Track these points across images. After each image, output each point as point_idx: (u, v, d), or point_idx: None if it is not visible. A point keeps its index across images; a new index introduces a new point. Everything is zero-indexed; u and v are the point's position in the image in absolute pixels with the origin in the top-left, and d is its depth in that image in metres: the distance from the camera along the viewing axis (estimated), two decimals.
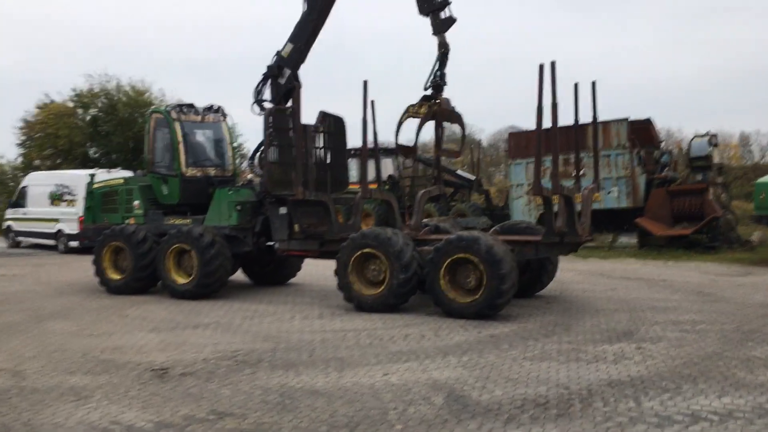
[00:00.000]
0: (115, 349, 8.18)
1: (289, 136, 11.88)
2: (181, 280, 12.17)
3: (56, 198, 22.23)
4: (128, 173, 23.16)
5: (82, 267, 17.59)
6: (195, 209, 13.08)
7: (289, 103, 12.67)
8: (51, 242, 22.43)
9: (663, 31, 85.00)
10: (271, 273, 13.90)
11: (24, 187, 24.06)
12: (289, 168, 11.80)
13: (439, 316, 9.72)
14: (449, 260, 9.68)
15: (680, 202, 17.93)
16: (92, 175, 14.61)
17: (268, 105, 13.16)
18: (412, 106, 12.33)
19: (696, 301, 10.97)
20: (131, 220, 13.51)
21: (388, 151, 23.05)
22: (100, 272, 12.95)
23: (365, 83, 12.29)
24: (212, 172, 13.32)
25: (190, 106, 13.52)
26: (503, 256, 9.45)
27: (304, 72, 13.35)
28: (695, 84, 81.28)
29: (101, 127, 35.47)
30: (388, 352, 7.69)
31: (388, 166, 24.20)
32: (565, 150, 19.98)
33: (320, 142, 12.61)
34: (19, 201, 24.00)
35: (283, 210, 12.02)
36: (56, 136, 34.18)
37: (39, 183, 23.38)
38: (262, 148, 12.24)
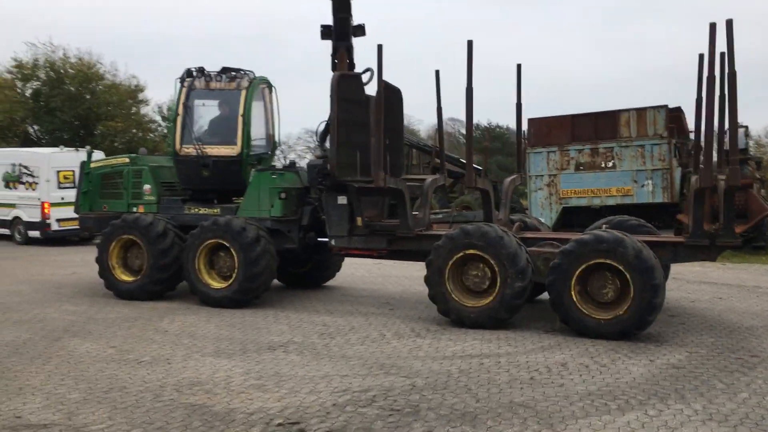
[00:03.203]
0: (194, 387, 6.02)
1: (358, 108, 9.79)
2: (215, 284, 9.92)
3: (12, 180, 19.14)
4: (100, 153, 20.47)
5: (55, 262, 15.01)
6: (219, 196, 10.84)
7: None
8: (4, 231, 19.35)
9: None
10: (308, 274, 11.77)
11: None
12: (356, 148, 9.73)
13: (568, 335, 7.92)
14: (583, 266, 7.89)
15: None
16: (90, 153, 12.02)
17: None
18: None
19: None
20: (140, 208, 11.11)
21: None
22: (106, 272, 10.52)
23: (437, 72, 10.50)
24: (210, 150, 10.74)
25: (201, 70, 11.15)
26: (654, 262, 7.73)
27: None
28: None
29: (44, 102, 31.93)
30: (576, 394, 5.82)
31: None
32: (594, 139, 18.71)
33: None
34: None
35: (342, 199, 9.92)
36: None
37: None
38: (326, 124, 10.09)
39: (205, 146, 10.77)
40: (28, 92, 32.99)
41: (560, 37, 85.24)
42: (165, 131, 36.74)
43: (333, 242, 10.06)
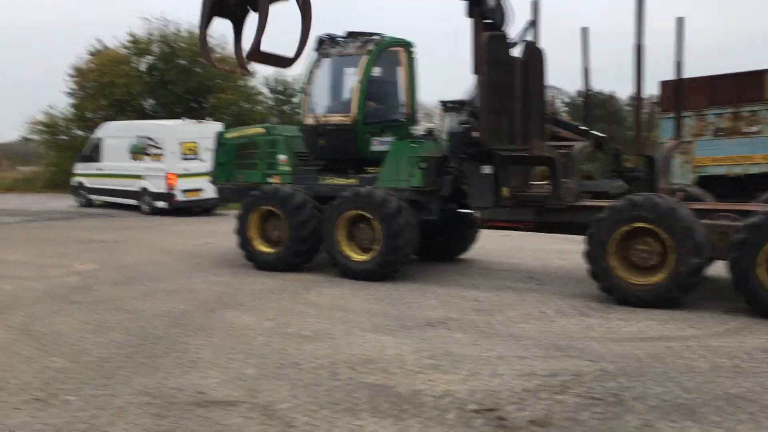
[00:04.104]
0: (368, 365, 5.74)
1: (505, 71, 9.20)
2: (355, 256, 9.69)
3: (139, 151, 19.70)
4: (218, 124, 20.82)
5: (185, 233, 15.33)
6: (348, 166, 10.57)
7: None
8: (131, 202, 20.00)
9: None
10: (441, 246, 11.37)
11: (98, 139, 21.47)
12: (502, 114, 9.17)
13: (754, 317, 7.16)
14: None
15: None
16: (225, 125, 12.00)
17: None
18: None
19: None
20: (275, 179, 11.01)
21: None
22: (246, 243, 10.49)
23: (585, 30, 9.72)
24: (328, 119, 10.46)
25: (331, 37, 10.79)
26: None
27: None
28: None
29: (158, 76, 32.82)
30: None
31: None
32: (735, 102, 17.26)
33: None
34: (92, 155, 21.50)
35: (487, 169, 9.41)
36: (113, 85, 31.54)
37: (116, 134, 20.76)
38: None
39: (325, 115, 10.53)
40: (142, 66, 34.05)
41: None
42: (272, 103, 37.30)
43: (477, 214, 9.60)
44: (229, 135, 11.62)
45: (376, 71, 10.56)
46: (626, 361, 5.80)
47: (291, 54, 9.70)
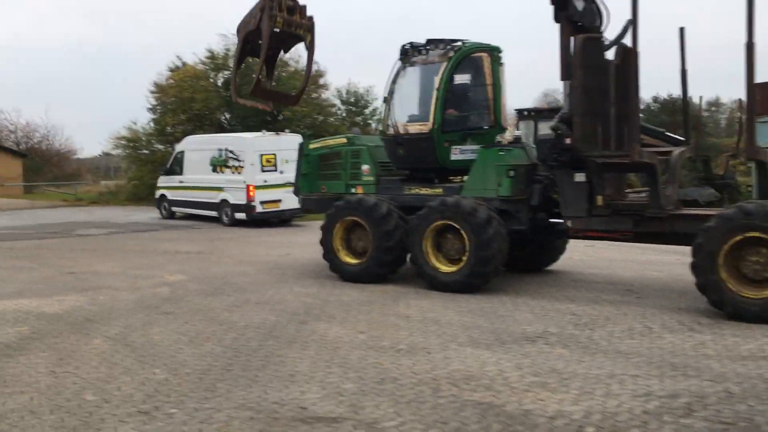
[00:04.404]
0: (470, 381, 5.50)
1: (599, 74, 8.83)
2: (443, 267, 9.46)
3: (219, 164, 20.07)
4: (296, 136, 21.00)
5: (265, 243, 15.44)
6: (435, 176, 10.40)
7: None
8: (212, 213, 20.38)
9: None
10: (529, 256, 11.01)
11: (179, 153, 22.02)
12: (596, 119, 8.80)
13: None
14: None
15: None
16: (308, 136, 12.00)
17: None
18: None
19: None
20: (358, 189, 10.92)
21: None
22: (331, 254, 10.42)
23: (681, 30, 9.27)
24: (406, 128, 10.36)
25: (413, 46, 10.63)
26: None
27: None
28: None
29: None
30: None
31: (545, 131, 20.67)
32: None
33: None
34: (174, 167, 22.05)
35: (580, 176, 9.04)
36: (192, 100, 32.42)
37: (197, 148, 21.21)
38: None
39: (404, 124, 10.43)
40: (219, 82, 34.89)
41: None
42: (344, 115, 37.58)
43: (569, 223, 9.22)
44: (312, 146, 11.61)
45: (458, 78, 10.33)
46: (752, 381, 5.36)
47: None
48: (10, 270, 11.90)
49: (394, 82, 10.61)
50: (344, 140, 11.39)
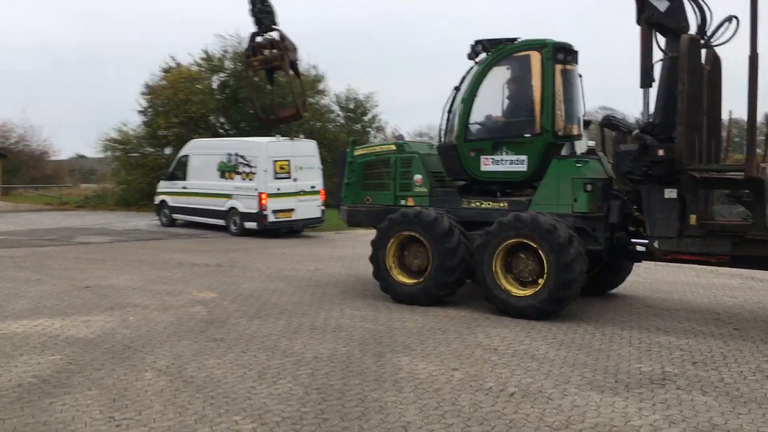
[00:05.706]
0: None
1: (696, 81, 7.99)
2: (515, 290, 8.53)
3: (228, 170, 18.89)
4: (311, 141, 19.95)
5: (286, 256, 14.40)
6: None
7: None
8: (218, 222, 19.18)
9: None
10: (594, 278, 10.06)
11: (183, 156, 20.79)
12: (694, 130, 7.96)
13: None
14: None
15: None
16: (353, 141, 10.97)
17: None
18: None
19: None
20: (409, 201, 9.98)
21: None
22: (383, 273, 9.43)
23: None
24: (443, 137, 9.91)
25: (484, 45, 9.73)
26: None
27: None
28: None
29: (231, 93, 32.36)
30: None
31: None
32: None
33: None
34: (176, 172, 20.83)
35: (671, 193, 8.18)
36: (187, 102, 31.16)
37: (204, 152, 19.99)
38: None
39: (447, 132, 9.79)
40: (214, 84, 33.68)
41: None
42: (343, 121, 36.56)
43: (656, 244, 8.36)
44: (358, 152, 10.61)
45: (494, 81, 9.42)
46: None
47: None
48: (15, 282, 10.73)
49: (460, 88, 9.72)
50: (393, 147, 10.41)
